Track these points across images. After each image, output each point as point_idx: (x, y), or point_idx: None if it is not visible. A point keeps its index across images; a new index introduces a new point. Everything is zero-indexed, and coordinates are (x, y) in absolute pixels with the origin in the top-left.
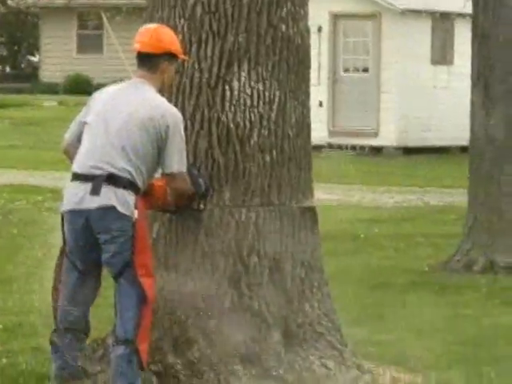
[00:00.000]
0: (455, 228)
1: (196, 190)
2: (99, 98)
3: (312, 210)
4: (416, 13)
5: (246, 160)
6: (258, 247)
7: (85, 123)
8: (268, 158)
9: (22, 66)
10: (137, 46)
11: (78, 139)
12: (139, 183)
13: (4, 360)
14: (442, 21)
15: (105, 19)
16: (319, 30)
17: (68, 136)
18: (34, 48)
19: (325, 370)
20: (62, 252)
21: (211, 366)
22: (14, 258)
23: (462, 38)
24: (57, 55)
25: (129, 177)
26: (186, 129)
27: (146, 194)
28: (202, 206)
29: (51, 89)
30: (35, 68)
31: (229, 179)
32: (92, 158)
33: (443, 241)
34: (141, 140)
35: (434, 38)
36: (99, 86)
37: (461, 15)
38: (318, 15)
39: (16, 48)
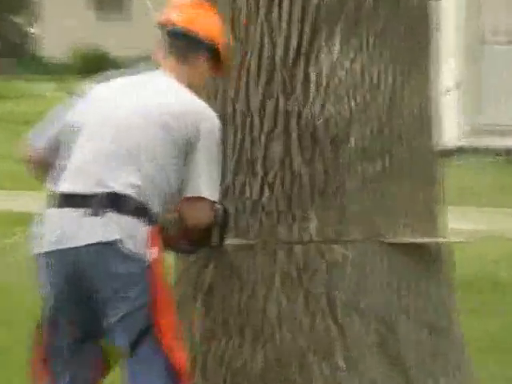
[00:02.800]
0: None
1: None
2: (98, 91)
3: (438, 247)
4: None
5: (341, 173)
6: (358, 301)
7: (73, 125)
8: (372, 170)
9: (14, 38)
10: (173, 18)
11: (55, 146)
12: (154, 207)
13: None
14: None
15: None
16: None
17: (38, 139)
18: (30, 15)
19: None
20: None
21: None
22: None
23: None
24: (62, 24)
25: (137, 197)
26: (251, 128)
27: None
28: (218, 241)
29: (53, 68)
30: (31, 40)
31: (315, 201)
32: (86, 172)
33: None
34: (161, 142)
35: None
36: (120, 63)
37: None
38: None
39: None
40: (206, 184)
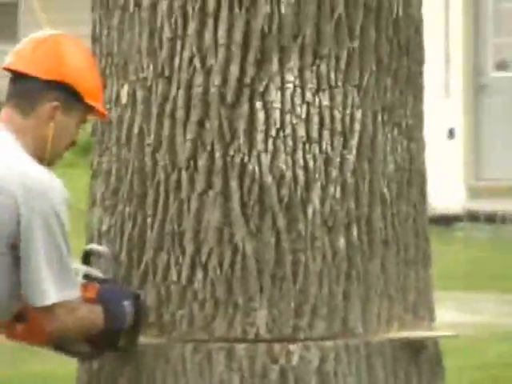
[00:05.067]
0: None
1: (110, 326)
2: None
3: (433, 346)
4: None
5: (299, 247)
6: None
7: None
8: (342, 243)
9: None
10: (8, 61)
11: None
12: None
13: None
14: None
15: None
16: None
17: None
18: None
19: None
20: None
21: None
22: None
23: None
24: None
25: None
26: (178, 186)
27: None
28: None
29: None
30: None
31: (264, 286)
32: None
33: None
34: None
35: None
36: None
37: None
38: None
39: None
40: (52, 283)
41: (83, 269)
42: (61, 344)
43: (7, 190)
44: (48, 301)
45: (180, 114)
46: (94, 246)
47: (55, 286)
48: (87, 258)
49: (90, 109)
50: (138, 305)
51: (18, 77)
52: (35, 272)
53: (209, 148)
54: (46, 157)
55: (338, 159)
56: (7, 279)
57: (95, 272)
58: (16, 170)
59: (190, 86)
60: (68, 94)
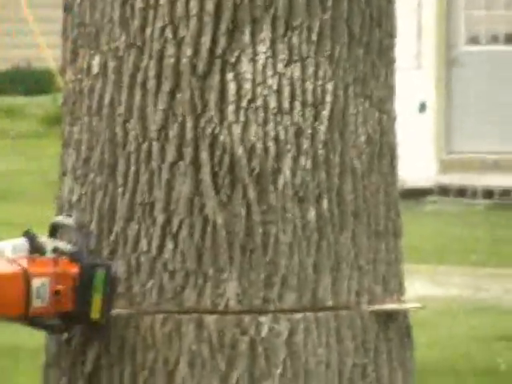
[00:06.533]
0: None
1: None
2: None
3: (402, 319)
4: None
5: (269, 218)
6: None
7: None
8: (312, 214)
9: None
10: None
11: None
12: None
13: None
14: None
15: None
16: None
17: None
18: None
19: None
20: None
21: None
22: None
23: None
24: None
25: None
26: (149, 156)
27: None
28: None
29: None
30: None
31: (234, 257)
32: None
33: None
34: None
35: None
36: None
37: None
38: None
39: None
40: None
41: (51, 242)
42: (32, 318)
43: None
44: None
45: (151, 84)
46: (61, 219)
47: None
48: (55, 230)
49: None
50: (109, 276)
51: None
52: None
53: (180, 119)
54: None
55: (310, 131)
56: None
57: (63, 245)
58: None
59: (161, 57)
60: None
